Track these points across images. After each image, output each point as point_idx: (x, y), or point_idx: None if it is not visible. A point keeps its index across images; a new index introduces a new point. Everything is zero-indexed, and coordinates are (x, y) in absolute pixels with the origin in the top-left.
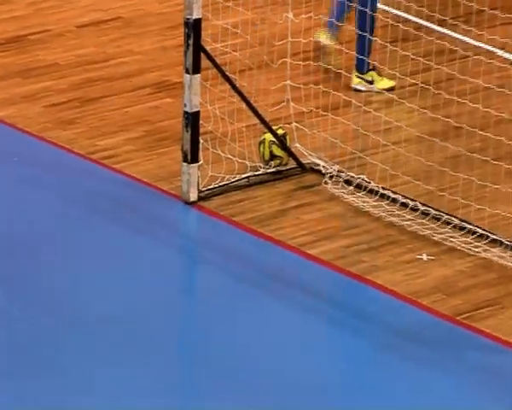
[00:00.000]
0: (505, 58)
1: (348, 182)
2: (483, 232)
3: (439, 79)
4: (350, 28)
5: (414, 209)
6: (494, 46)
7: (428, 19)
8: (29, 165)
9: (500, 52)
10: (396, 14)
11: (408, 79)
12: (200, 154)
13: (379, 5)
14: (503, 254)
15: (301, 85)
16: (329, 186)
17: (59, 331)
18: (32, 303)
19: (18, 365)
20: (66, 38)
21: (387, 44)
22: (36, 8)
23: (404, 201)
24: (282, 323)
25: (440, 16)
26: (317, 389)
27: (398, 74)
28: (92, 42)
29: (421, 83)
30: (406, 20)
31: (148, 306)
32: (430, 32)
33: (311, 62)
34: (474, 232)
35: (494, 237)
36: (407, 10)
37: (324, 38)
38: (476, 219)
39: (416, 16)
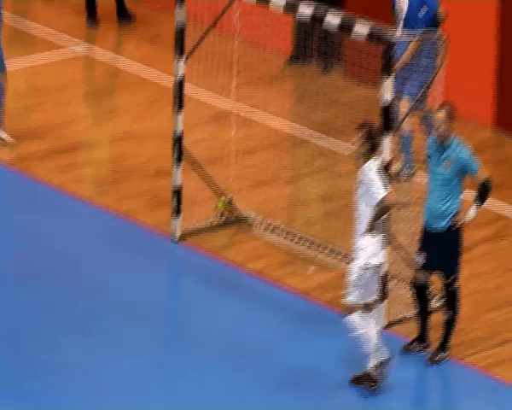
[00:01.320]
0: (346, 154)
1: (267, 227)
2: (343, 255)
3: (336, 189)
4: None
5: (304, 242)
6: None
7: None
8: (89, 219)
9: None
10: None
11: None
12: (182, 211)
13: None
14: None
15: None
16: (257, 230)
17: (97, 310)
18: (72, 295)
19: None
20: (103, 148)
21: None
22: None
23: (301, 236)
24: (228, 306)
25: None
26: (248, 346)
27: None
28: (119, 150)
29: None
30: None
31: (149, 298)
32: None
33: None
34: (340, 253)
35: (350, 258)
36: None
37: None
38: (343, 248)
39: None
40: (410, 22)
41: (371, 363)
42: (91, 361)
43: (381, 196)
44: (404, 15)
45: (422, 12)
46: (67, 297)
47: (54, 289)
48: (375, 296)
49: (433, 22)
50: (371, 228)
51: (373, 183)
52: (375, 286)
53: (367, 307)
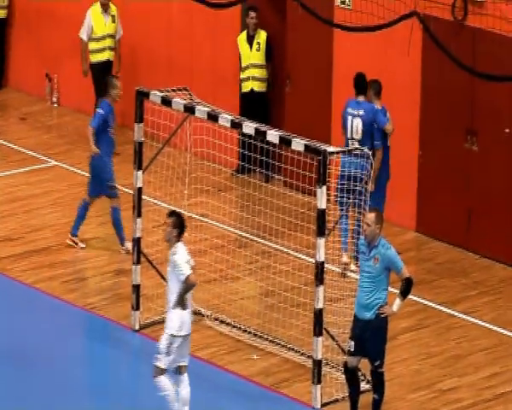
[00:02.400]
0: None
1: (217, 319)
2: (283, 343)
3: (277, 285)
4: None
5: (249, 332)
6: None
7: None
8: (58, 314)
9: (299, 254)
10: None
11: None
12: (141, 305)
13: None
14: (294, 354)
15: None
16: (207, 321)
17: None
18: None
19: None
20: (70, 250)
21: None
22: None
23: (245, 328)
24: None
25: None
26: None
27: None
28: (85, 252)
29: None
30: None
31: (110, 381)
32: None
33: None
34: (278, 344)
35: (289, 346)
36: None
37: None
38: (283, 337)
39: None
40: (364, 138)
41: None
42: None
43: (185, 276)
44: (360, 134)
45: (377, 128)
46: (39, 382)
47: (25, 376)
48: (186, 361)
49: (386, 136)
50: (179, 302)
51: (178, 264)
52: (186, 352)
53: (179, 370)
